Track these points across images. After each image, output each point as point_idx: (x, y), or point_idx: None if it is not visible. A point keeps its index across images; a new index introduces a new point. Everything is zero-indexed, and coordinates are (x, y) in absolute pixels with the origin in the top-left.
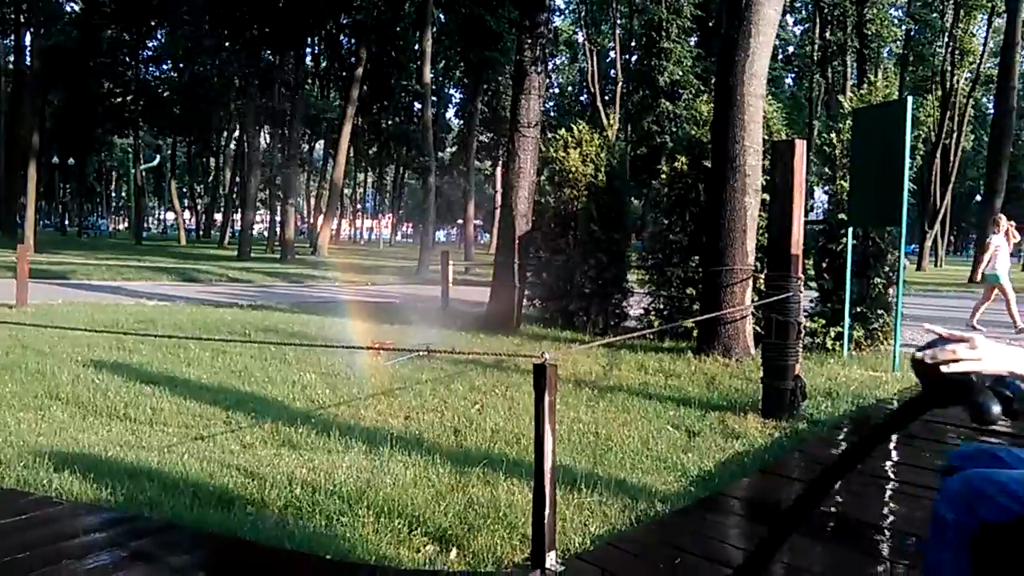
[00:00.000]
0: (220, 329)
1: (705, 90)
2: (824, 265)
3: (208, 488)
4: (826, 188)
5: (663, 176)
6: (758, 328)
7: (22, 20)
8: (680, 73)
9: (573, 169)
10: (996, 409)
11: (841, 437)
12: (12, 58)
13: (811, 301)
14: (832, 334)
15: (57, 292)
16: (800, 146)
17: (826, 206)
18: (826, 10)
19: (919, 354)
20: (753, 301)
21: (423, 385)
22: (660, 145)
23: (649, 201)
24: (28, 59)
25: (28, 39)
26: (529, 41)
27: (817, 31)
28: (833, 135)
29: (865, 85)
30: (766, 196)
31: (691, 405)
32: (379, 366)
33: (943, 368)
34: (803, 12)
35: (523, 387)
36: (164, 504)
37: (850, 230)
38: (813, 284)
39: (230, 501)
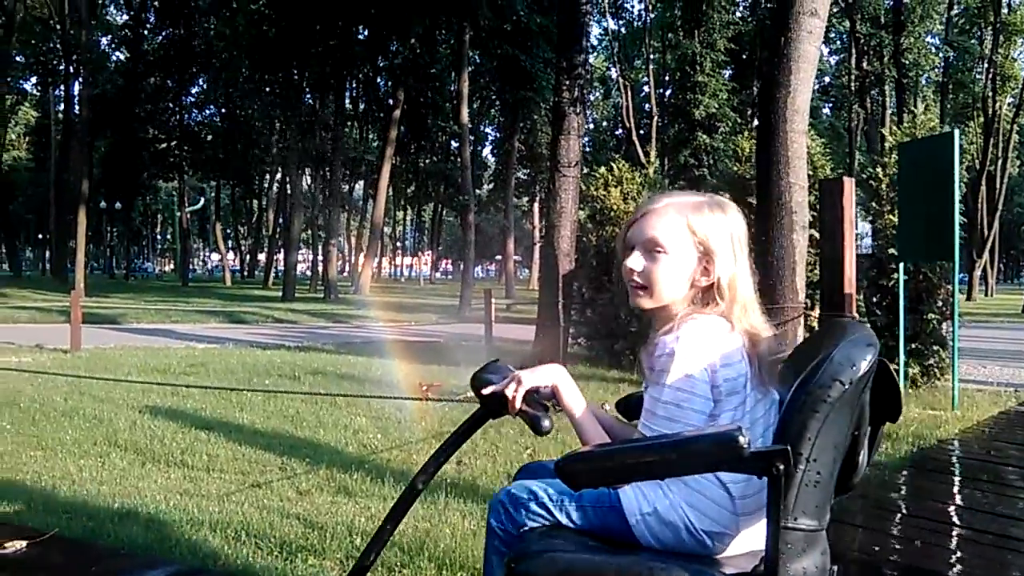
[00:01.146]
0: (270, 372)
1: (742, 123)
2: (875, 300)
3: (269, 538)
4: (871, 221)
5: None
6: None
7: (71, 71)
8: (716, 106)
9: (614, 207)
10: (546, 423)
11: (903, 480)
12: (62, 107)
13: None
14: None
15: (109, 336)
16: (848, 184)
17: (871, 240)
18: (862, 40)
19: (486, 390)
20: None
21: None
22: (698, 178)
23: None
24: (76, 108)
25: (76, 88)
26: (567, 82)
27: (853, 61)
28: (879, 169)
29: (907, 116)
30: (814, 232)
31: None
32: (428, 409)
33: (484, 391)
34: (838, 43)
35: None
36: (227, 556)
37: (901, 265)
38: (865, 320)
39: (292, 552)
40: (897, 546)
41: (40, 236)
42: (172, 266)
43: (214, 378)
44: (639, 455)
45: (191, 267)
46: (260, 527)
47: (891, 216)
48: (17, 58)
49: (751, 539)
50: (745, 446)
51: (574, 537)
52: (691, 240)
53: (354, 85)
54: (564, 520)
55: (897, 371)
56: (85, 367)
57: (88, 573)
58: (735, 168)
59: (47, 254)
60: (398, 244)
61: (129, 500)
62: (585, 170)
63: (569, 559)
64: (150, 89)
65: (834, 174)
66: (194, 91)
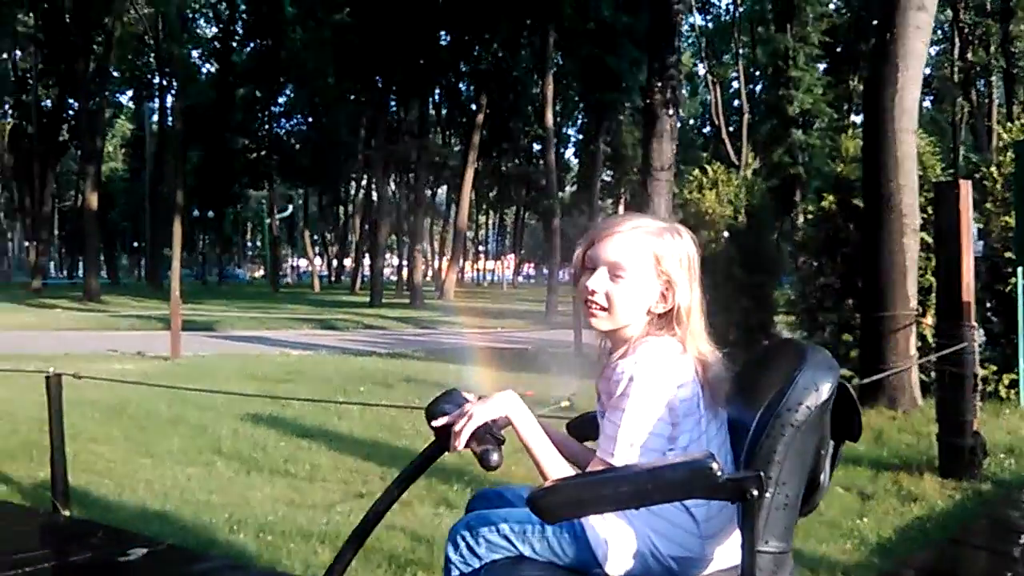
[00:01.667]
0: (363, 379)
1: (838, 118)
2: (989, 307)
3: (377, 551)
4: (984, 223)
5: (810, 216)
6: (923, 376)
7: (164, 84)
8: (811, 102)
9: (710, 211)
10: (495, 457)
11: None
12: (156, 119)
13: (979, 345)
14: (1006, 381)
15: (206, 343)
16: (965, 187)
17: (981, 241)
18: (966, 29)
19: (435, 422)
20: (919, 349)
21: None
22: (794, 176)
23: (782, 235)
24: (170, 120)
25: (169, 100)
26: (659, 84)
27: (956, 52)
28: (993, 169)
29: (1016, 109)
30: (924, 235)
31: (860, 463)
32: None
33: (434, 423)
34: (939, 33)
35: None
36: None
37: (1019, 270)
38: (976, 326)
39: (402, 566)
40: None
41: (135, 244)
42: (262, 271)
43: (310, 386)
44: (614, 486)
45: (281, 272)
46: (368, 540)
47: (1007, 218)
48: (114, 73)
49: (716, 561)
50: (719, 473)
51: (539, 569)
52: (654, 268)
53: (437, 90)
54: (527, 551)
55: (1017, 381)
56: (185, 375)
57: None
58: (839, 169)
59: (142, 261)
60: (480, 248)
61: (238, 510)
62: (673, 171)
63: None
64: (239, 100)
65: (944, 174)
66: (282, 101)
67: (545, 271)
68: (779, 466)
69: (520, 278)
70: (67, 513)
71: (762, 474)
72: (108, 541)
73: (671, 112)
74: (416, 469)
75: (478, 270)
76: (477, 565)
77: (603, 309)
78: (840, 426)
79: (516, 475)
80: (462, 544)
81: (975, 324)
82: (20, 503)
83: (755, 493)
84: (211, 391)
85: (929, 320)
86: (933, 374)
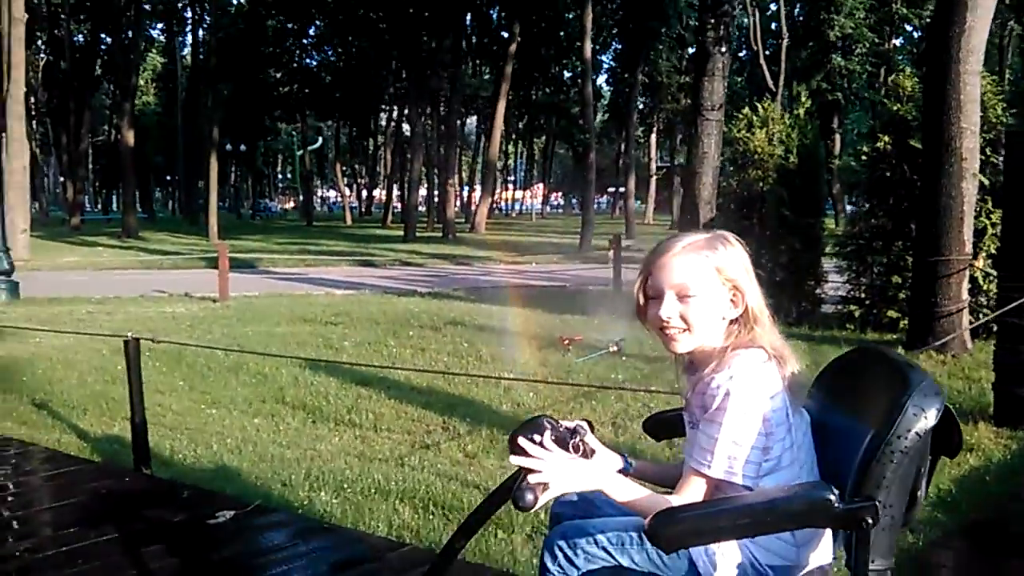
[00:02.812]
0: (411, 322)
1: (879, 43)
2: None
3: (456, 510)
4: None
5: (864, 157)
6: (972, 319)
7: (196, 17)
8: (852, 26)
9: (759, 150)
10: (529, 497)
11: None
12: (187, 52)
13: None
14: None
15: (249, 282)
16: None
17: None
18: None
19: (521, 440)
20: (968, 291)
21: (621, 390)
22: (832, 103)
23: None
24: (202, 54)
25: (200, 35)
26: (712, 21)
27: None
28: None
29: None
30: (982, 178)
31: None
32: (572, 365)
33: (513, 459)
34: None
35: None
36: (421, 529)
37: None
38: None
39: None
40: None
41: (168, 178)
42: (293, 204)
43: (359, 328)
44: (733, 517)
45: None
46: (443, 497)
47: None
48: (145, 7)
49: (807, 566)
50: (837, 505)
51: None
52: (717, 278)
53: (468, 19)
54: (626, 562)
55: None
56: (238, 318)
57: (298, 548)
58: (895, 107)
59: (176, 194)
60: (509, 178)
61: (313, 464)
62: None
63: None
64: (270, 32)
65: (1004, 115)
66: (312, 32)
67: (574, 200)
68: (887, 490)
69: (548, 208)
70: (148, 472)
71: (878, 502)
72: (196, 502)
73: (723, 50)
74: (496, 501)
75: (506, 200)
76: (575, 575)
77: (684, 331)
78: (938, 441)
79: None
80: (560, 555)
81: None
82: (100, 460)
83: (870, 521)
84: (278, 355)
85: (980, 263)
86: (982, 316)
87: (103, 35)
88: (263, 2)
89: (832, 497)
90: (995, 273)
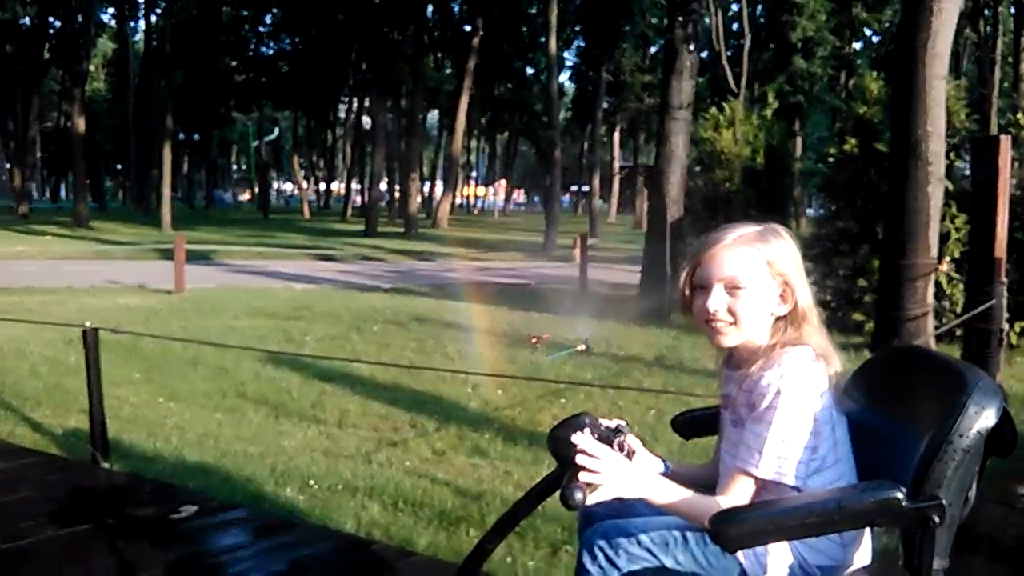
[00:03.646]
0: (374, 317)
1: (840, 46)
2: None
3: (426, 507)
4: None
5: (830, 159)
6: (936, 323)
7: (148, 1)
8: (814, 29)
9: (726, 150)
10: (579, 496)
11: None
12: (139, 38)
13: None
14: (1017, 329)
15: (205, 274)
16: (1005, 142)
17: None
18: None
19: (575, 437)
20: (934, 295)
21: (590, 388)
22: (794, 106)
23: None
24: (154, 40)
25: (154, 19)
26: (680, 18)
27: None
28: (1020, 115)
29: None
30: (948, 183)
31: None
32: (540, 363)
33: (579, 462)
34: None
35: (696, 388)
36: (389, 526)
37: None
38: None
39: (452, 523)
40: None
41: (118, 167)
42: (248, 195)
43: (321, 323)
44: (801, 516)
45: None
46: (412, 494)
47: None
48: None
49: (852, 565)
50: (904, 504)
51: None
52: (768, 272)
53: (430, 11)
54: (670, 563)
55: None
56: (195, 311)
57: (262, 543)
58: (862, 110)
59: (126, 183)
60: (471, 175)
61: (279, 460)
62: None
63: None
64: (226, 18)
65: (968, 120)
66: (269, 20)
67: (536, 199)
68: (948, 489)
69: (511, 206)
70: (107, 466)
71: (944, 501)
72: (157, 496)
73: (692, 48)
74: (534, 500)
75: (467, 196)
76: None
77: (731, 325)
78: (990, 440)
79: None
80: (600, 555)
81: (1004, 280)
82: (58, 454)
83: (937, 521)
84: (242, 347)
85: (944, 267)
86: (946, 321)
87: (52, 19)
88: None
89: (900, 495)
90: (959, 277)
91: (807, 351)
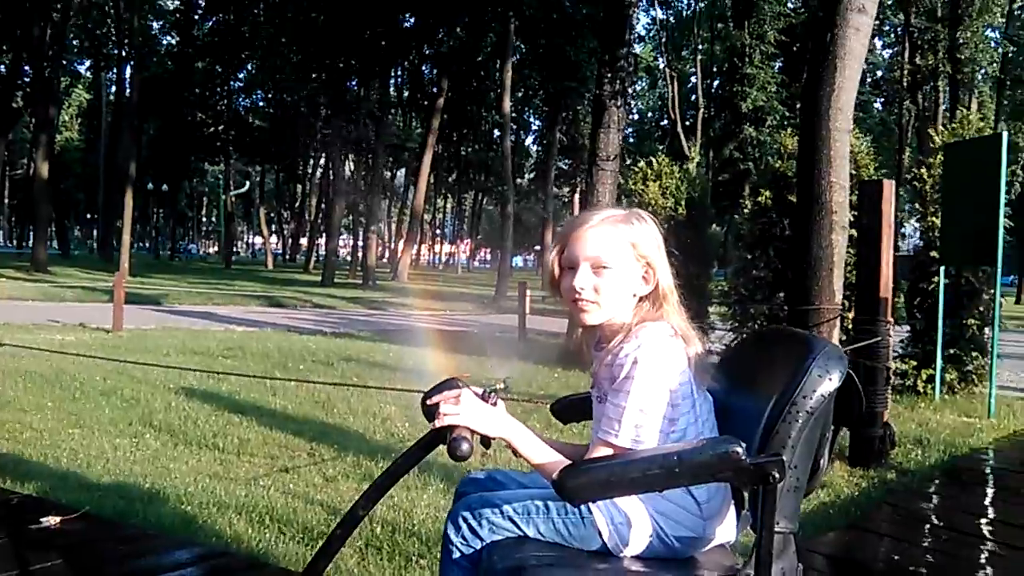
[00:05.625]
0: (304, 357)
1: (791, 115)
2: (915, 304)
3: (293, 523)
4: (917, 223)
5: (747, 211)
6: None
7: (124, 54)
8: (764, 99)
9: (652, 202)
10: (465, 447)
11: (932, 489)
12: (114, 89)
13: (902, 341)
14: (924, 376)
15: (151, 317)
16: (888, 187)
17: (918, 241)
18: (916, 34)
19: (430, 400)
20: (841, 341)
21: None
22: (743, 172)
23: (732, 229)
24: (128, 91)
25: (128, 72)
26: (609, 75)
27: (907, 55)
28: (924, 170)
29: (958, 116)
30: (854, 232)
31: None
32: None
33: (437, 421)
34: (892, 36)
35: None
36: (251, 539)
37: (942, 269)
38: (905, 323)
39: (314, 538)
40: (924, 557)
41: (88, 216)
42: (216, 248)
43: (251, 361)
44: (643, 468)
45: (235, 249)
46: (284, 512)
47: (935, 218)
48: (73, 42)
49: (714, 539)
50: (744, 458)
51: (544, 549)
52: (632, 253)
53: (399, 73)
54: (532, 532)
55: (933, 376)
56: (126, 347)
57: (118, 552)
58: (777, 165)
59: (95, 233)
60: (438, 232)
61: (160, 481)
62: (628, 161)
63: (551, 572)
64: (199, 74)
65: (882, 172)
66: (242, 76)
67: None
68: (792, 450)
69: (476, 263)
70: None
71: (784, 458)
72: (23, 508)
73: (619, 103)
74: (407, 462)
75: (435, 253)
76: (478, 546)
77: (593, 303)
78: (839, 411)
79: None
80: (464, 526)
81: (891, 320)
82: None
83: (776, 476)
84: (136, 363)
85: (852, 315)
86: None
87: (25, 67)
88: (193, 44)
89: (739, 449)
90: None
91: (665, 327)
